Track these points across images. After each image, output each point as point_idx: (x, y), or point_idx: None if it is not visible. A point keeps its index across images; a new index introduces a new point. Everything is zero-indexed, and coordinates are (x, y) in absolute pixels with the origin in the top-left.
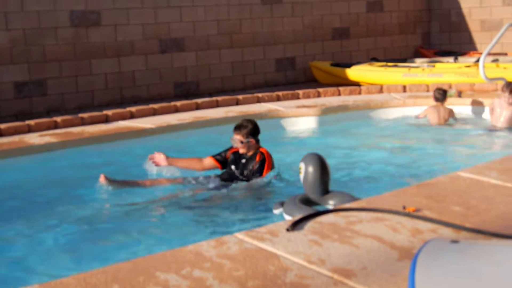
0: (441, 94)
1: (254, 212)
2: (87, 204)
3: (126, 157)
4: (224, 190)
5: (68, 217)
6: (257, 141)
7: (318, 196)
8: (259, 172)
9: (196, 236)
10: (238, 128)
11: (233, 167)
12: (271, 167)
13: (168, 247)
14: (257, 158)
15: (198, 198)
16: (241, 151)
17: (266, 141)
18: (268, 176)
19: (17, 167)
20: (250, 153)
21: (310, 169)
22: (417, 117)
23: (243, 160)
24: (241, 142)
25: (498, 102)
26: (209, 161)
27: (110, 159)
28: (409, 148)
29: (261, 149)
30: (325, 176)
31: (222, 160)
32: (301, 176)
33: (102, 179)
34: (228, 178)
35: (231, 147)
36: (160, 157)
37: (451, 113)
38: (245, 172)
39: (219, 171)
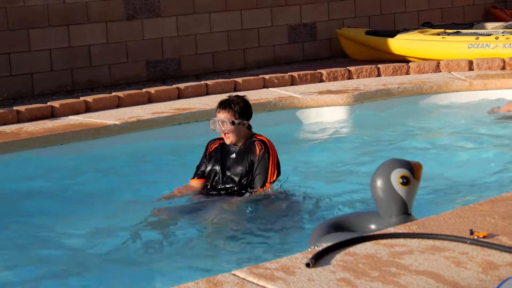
0: None
1: (259, 239)
2: (29, 237)
3: (79, 167)
4: (213, 208)
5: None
6: (250, 127)
7: (387, 217)
8: (263, 173)
9: (179, 273)
10: (225, 104)
11: (217, 168)
12: (278, 166)
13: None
14: (257, 150)
15: (179, 222)
16: (228, 140)
17: (276, 142)
18: (273, 186)
19: None
20: (240, 143)
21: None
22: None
23: (233, 155)
24: (232, 123)
25: None
26: (195, 185)
27: (57, 170)
28: (478, 150)
29: (257, 136)
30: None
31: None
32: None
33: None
34: (212, 188)
35: (211, 142)
36: None
37: None
38: (237, 174)
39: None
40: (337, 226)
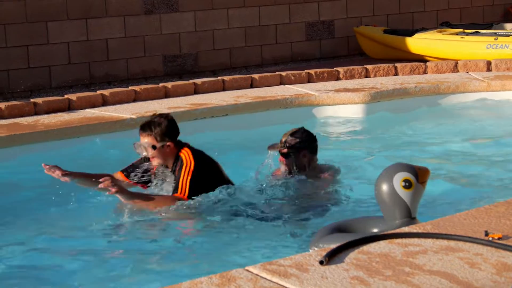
0: None
1: (272, 235)
2: (43, 227)
3: (96, 159)
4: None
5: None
6: (177, 144)
7: (390, 221)
8: (175, 185)
9: (192, 268)
10: (145, 127)
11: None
12: (195, 181)
13: (158, 283)
14: (178, 165)
15: (192, 216)
16: (155, 163)
17: None
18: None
19: None
20: (170, 165)
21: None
22: None
23: (172, 178)
24: (153, 147)
25: None
26: (119, 178)
27: (73, 162)
28: (495, 150)
29: (182, 152)
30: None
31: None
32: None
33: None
34: None
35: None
36: (53, 171)
37: None
38: None
39: None
40: (340, 229)
